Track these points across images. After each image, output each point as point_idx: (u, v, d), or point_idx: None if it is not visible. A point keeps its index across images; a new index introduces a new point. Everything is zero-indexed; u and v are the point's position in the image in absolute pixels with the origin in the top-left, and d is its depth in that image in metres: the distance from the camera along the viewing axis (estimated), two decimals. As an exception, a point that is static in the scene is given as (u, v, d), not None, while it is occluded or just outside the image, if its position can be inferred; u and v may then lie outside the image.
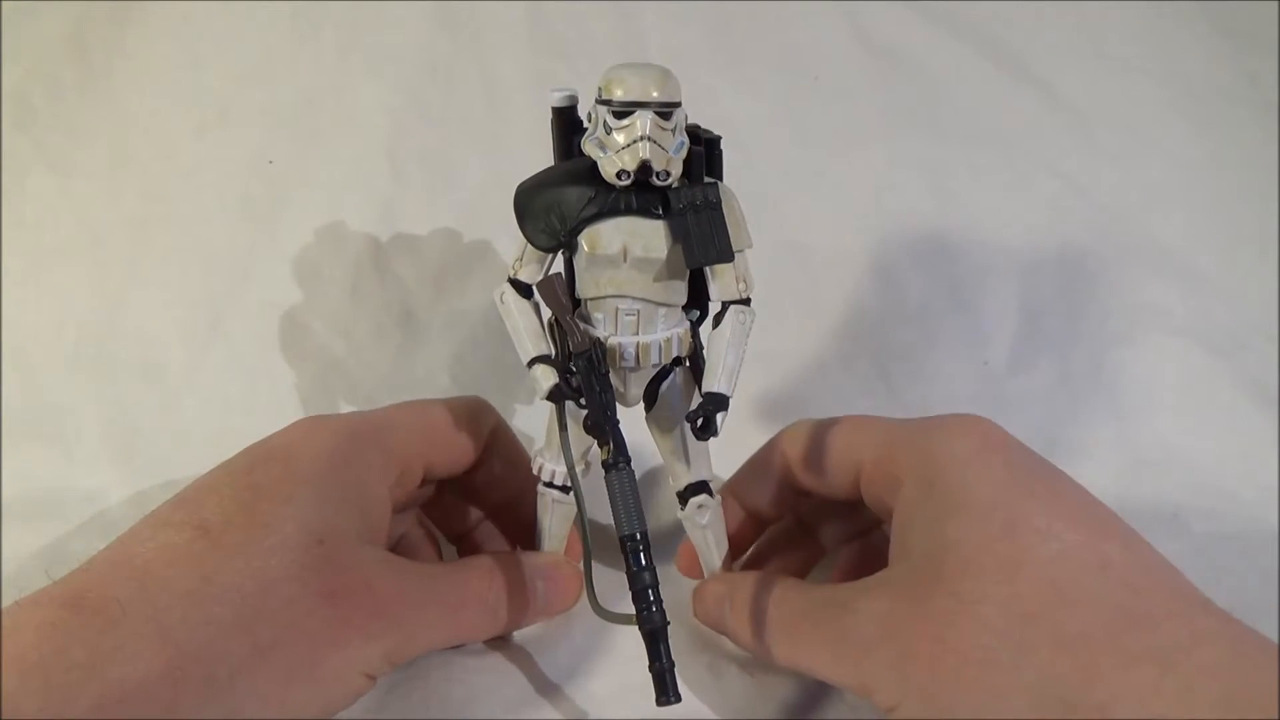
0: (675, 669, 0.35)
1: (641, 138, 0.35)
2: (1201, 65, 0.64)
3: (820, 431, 0.42)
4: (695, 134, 0.37)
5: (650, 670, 0.35)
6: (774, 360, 0.60)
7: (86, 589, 0.32)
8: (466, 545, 0.48)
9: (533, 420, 0.57)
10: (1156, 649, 0.29)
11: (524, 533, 0.45)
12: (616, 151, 0.35)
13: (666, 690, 0.35)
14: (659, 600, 0.36)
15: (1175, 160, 0.64)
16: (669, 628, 0.36)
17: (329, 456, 0.38)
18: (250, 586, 0.33)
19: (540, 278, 0.38)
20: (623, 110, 0.35)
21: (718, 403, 0.37)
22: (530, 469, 0.45)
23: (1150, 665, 0.29)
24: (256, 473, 0.37)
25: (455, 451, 0.44)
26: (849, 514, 0.45)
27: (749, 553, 0.46)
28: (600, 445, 0.37)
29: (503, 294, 0.39)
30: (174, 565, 0.33)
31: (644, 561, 0.36)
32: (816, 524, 0.46)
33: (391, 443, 0.41)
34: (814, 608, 0.38)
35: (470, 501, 0.47)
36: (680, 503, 0.42)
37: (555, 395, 0.38)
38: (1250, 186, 0.63)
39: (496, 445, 0.45)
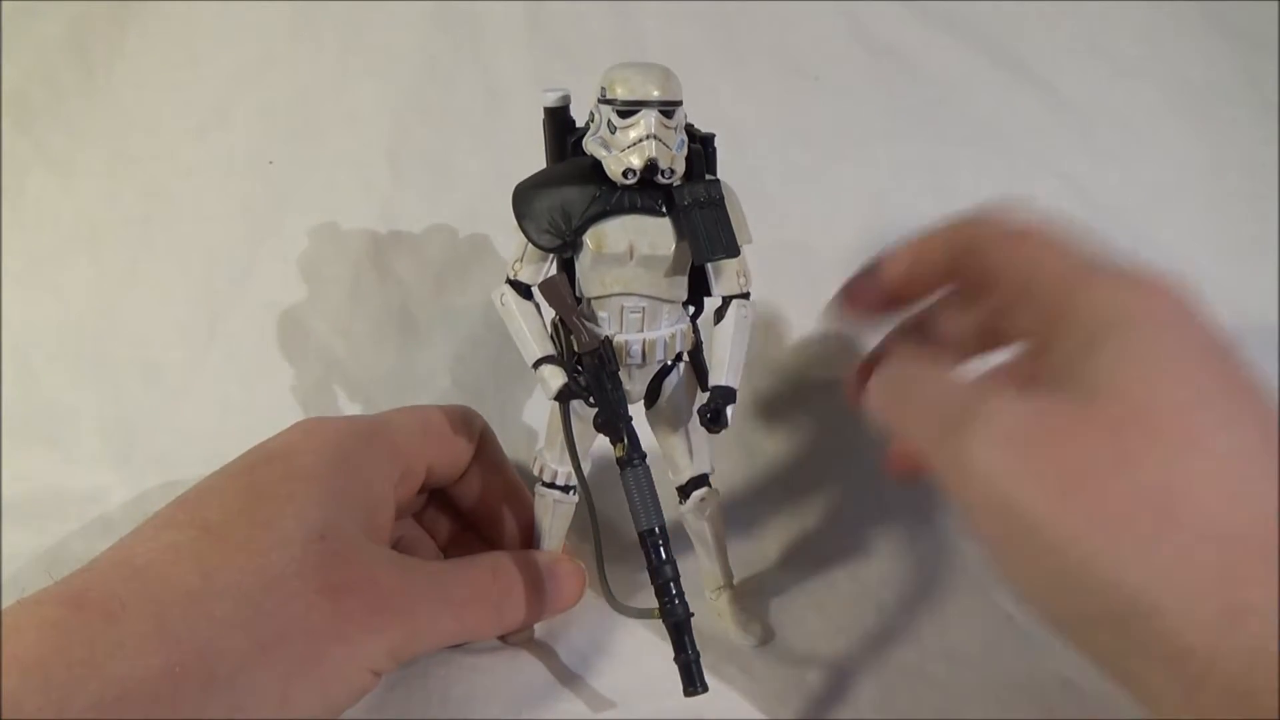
0: (700, 659, 0.36)
1: (648, 136, 0.35)
2: (1201, 65, 0.64)
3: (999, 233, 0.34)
4: (689, 132, 0.38)
5: (676, 662, 0.36)
6: (774, 360, 0.60)
7: (87, 588, 0.32)
8: (451, 556, 0.47)
9: (533, 417, 0.57)
10: None
11: (510, 539, 0.45)
12: (622, 150, 0.35)
13: (694, 680, 0.36)
14: (681, 592, 0.37)
15: (1175, 160, 0.63)
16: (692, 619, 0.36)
17: (330, 455, 0.38)
18: (251, 583, 0.33)
19: (540, 278, 0.38)
20: (627, 109, 0.35)
21: (726, 396, 0.37)
22: (514, 478, 0.45)
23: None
24: (257, 473, 0.37)
25: (452, 452, 0.44)
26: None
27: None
28: (614, 443, 0.38)
29: (502, 295, 0.39)
30: (175, 564, 0.33)
31: (664, 555, 0.37)
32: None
33: (394, 442, 0.41)
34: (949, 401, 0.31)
35: (454, 512, 0.47)
36: (681, 497, 0.42)
37: (564, 395, 0.38)
38: (1250, 186, 0.63)
39: (484, 452, 0.45)
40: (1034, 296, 0.32)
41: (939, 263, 0.36)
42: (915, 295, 0.38)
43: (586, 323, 0.38)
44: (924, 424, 0.32)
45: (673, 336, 0.39)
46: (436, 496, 0.46)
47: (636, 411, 0.41)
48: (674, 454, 0.42)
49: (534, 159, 0.40)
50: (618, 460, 0.37)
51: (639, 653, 0.43)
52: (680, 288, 0.39)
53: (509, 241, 0.39)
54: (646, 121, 0.35)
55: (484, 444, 0.45)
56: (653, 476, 0.38)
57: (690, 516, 0.42)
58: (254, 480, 0.37)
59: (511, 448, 0.48)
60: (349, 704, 0.36)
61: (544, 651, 0.44)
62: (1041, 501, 0.27)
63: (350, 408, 0.58)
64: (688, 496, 0.42)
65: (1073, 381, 0.29)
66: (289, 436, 0.40)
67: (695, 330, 0.41)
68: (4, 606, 0.32)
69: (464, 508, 0.46)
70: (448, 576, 0.40)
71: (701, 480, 0.42)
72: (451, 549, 0.47)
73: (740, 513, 0.52)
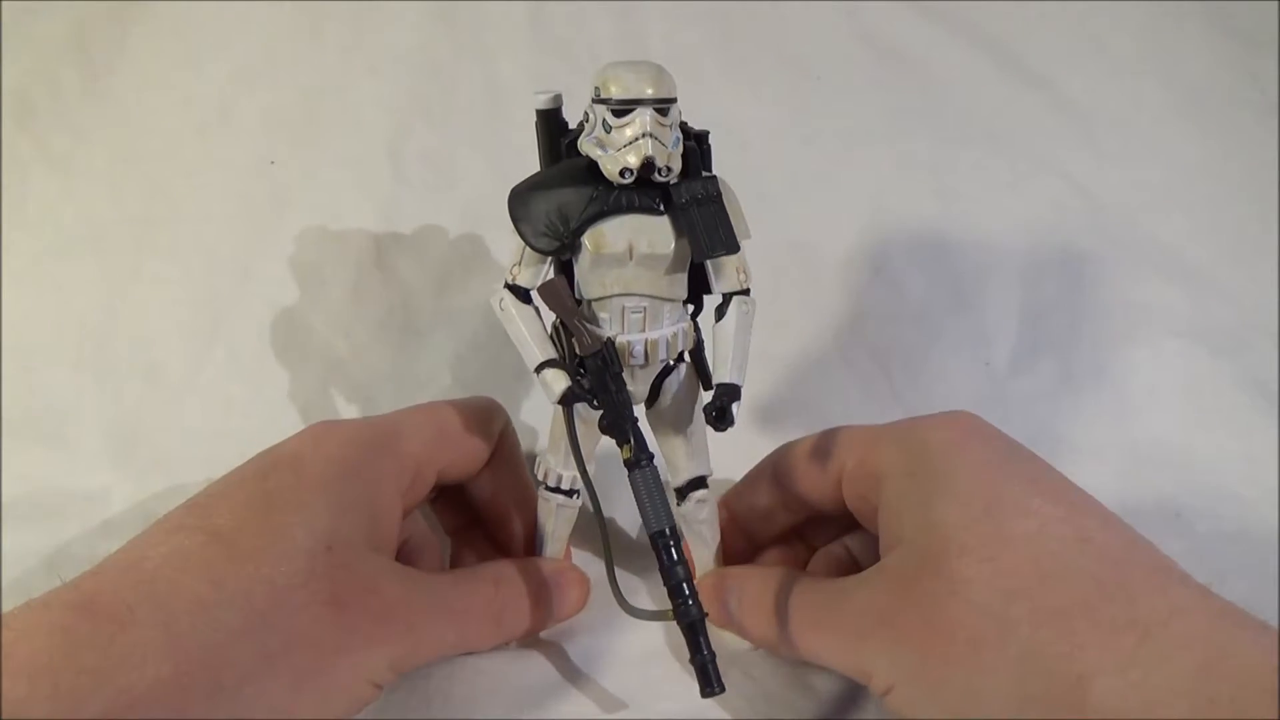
0: (716, 659, 0.36)
1: (644, 135, 0.35)
2: (1202, 65, 0.64)
3: (807, 444, 0.43)
4: (684, 129, 0.37)
5: (692, 663, 0.36)
6: (776, 360, 0.60)
7: (97, 593, 0.32)
8: (458, 545, 0.47)
9: (536, 416, 0.57)
10: (1134, 620, 0.30)
11: (516, 540, 0.45)
12: (618, 149, 0.35)
13: (710, 681, 0.35)
14: (694, 593, 0.36)
15: (1176, 160, 0.64)
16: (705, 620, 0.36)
17: (340, 464, 0.38)
18: (259, 594, 0.33)
19: (539, 281, 0.38)
20: (621, 108, 0.35)
21: (731, 393, 0.37)
22: (526, 478, 0.45)
23: (1128, 635, 0.30)
24: (269, 480, 0.37)
25: (467, 454, 0.43)
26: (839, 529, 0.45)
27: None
28: (620, 444, 0.37)
29: (501, 300, 0.38)
30: (184, 571, 0.33)
31: (676, 556, 0.37)
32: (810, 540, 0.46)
33: (403, 449, 0.41)
34: (819, 598, 0.39)
35: (466, 505, 0.47)
36: (679, 498, 0.42)
37: (568, 398, 0.37)
38: (1251, 186, 0.63)
39: (502, 450, 0.45)
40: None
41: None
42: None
43: (588, 324, 0.38)
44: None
45: (675, 335, 0.39)
46: (452, 487, 0.46)
47: (637, 412, 0.41)
48: (674, 455, 0.42)
49: (535, 159, 0.40)
50: (625, 462, 0.37)
51: (640, 653, 0.43)
52: (680, 286, 0.39)
53: (510, 242, 0.38)
54: (642, 120, 0.35)
55: (502, 443, 0.45)
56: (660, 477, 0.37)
57: (688, 518, 0.42)
58: (265, 487, 0.37)
59: (513, 448, 0.48)
60: (348, 716, 0.36)
61: (546, 652, 0.44)
62: None
63: (351, 408, 0.58)
64: (686, 498, 0.42)
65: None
66: (299, 442, 0.39)
67: (696, 328, 0.41)
68: (9, 608, 0.32)
69: (475, 502, 0.46)
70: (450, 589, 0.40)
71: (700, 481, 0.42)
72: (458, 539, 0.47)
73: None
